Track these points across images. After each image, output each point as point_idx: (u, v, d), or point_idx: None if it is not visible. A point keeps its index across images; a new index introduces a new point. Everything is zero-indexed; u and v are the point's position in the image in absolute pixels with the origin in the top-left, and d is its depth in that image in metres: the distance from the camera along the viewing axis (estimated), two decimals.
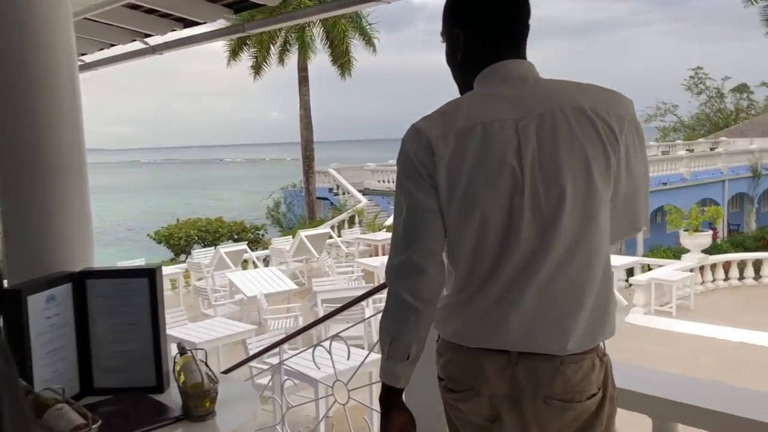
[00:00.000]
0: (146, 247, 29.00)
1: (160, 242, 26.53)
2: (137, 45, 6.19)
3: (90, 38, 5.87)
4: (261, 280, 9.68)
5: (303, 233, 12.89)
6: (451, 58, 1.52)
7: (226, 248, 12.21)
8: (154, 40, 5.95)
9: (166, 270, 12.07)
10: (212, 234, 25.80)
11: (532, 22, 1.48)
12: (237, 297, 9.58)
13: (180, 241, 25.74)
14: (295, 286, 9.72)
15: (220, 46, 21.94)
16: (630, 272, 11.34)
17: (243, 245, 12.89)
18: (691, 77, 47.62)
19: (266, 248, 14.23)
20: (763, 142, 26.44)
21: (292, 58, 22.07)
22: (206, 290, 9.52)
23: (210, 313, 9.29)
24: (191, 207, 49.56)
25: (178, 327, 7.54)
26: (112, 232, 42.95)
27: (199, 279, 11.50)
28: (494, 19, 1.44)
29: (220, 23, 5.30)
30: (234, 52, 21.83)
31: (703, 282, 11.53)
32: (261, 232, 26.71)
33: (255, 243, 25.57)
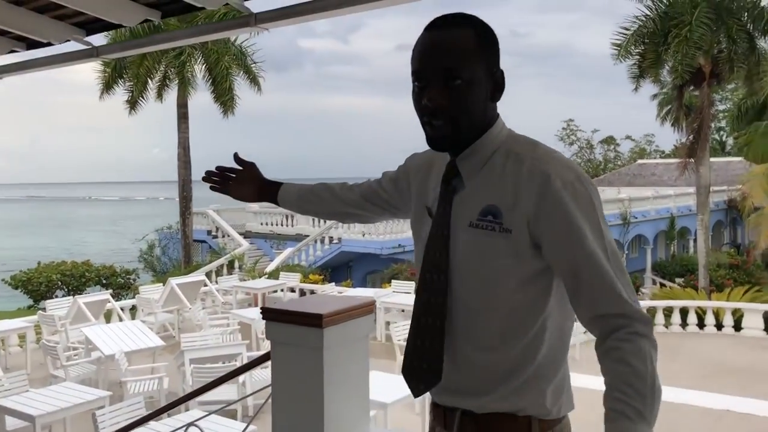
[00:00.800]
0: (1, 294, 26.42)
1: (17, 287, 24.30)
2: None
3: None
4: (122, 335, 8.65)
5: (174, 281, 11.87)
6: (489, 99, 1.47)
7: (85, 298, 10.97)
8: None
9: (13, 323, 10.68)
10: (78, 279, 23.89)
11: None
12: (94, 355, 8.49)
13: (40, 286, 23.66)
14: (160, 342, 8.75)
15: (94, 77, 20.55)
16: None
17: (105, 294, 11.68)
18: (563, 128, 50.45)
19: (136, 295, 13.01)
20: (630, 191, 28.01)
21: (172, 94, 21.02)
22: (56, 348, 8.36)
23: (60, 375, 8.14)
24: (53, 250, 46.17)
25: (14, 396, 6.44)
26: None
27: (53, 333, 10.22)
28: None
29: (72, 46, 4.57)
30: (107, 85, 20.46)
31: (586, 331, 11.56)
32: (132, 276, 25.03)
33: (125, 288, 23.87)
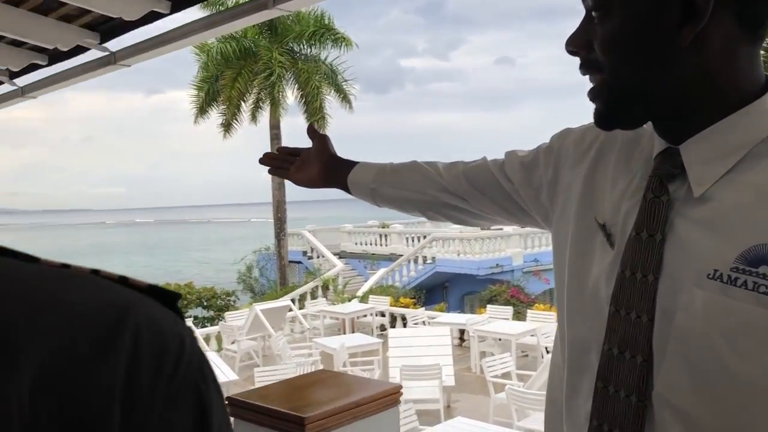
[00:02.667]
0: None
1: None
2: (4, 88, 4.95)
3: None
4: None
5: (258, 307, 11.42)
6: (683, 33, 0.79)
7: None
8: (23, 81, 4.74)
9: None
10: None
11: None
12: None
13: None
14: (234, 377, 8.19)
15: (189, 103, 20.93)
16: None
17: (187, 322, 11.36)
18: None
19: (219, 323, 12.70)
20: None
21: (265, 116, 21.04)
22: None
23: None
24: (158, 271, 48.19)
25: None
26: None
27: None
28: None
29: (91, 55, 4.03)
30: (201, 109, 20.75)
31: None
32: (232, 298, 25.20)
33: (224, 310, 24.01)
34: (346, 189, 1.38)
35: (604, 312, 0.85)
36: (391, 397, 1.53)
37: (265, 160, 1.51)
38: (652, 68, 0.80)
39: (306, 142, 1.44)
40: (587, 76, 0.85)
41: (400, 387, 1.77)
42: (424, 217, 1.39)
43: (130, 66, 3.79)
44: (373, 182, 1.32)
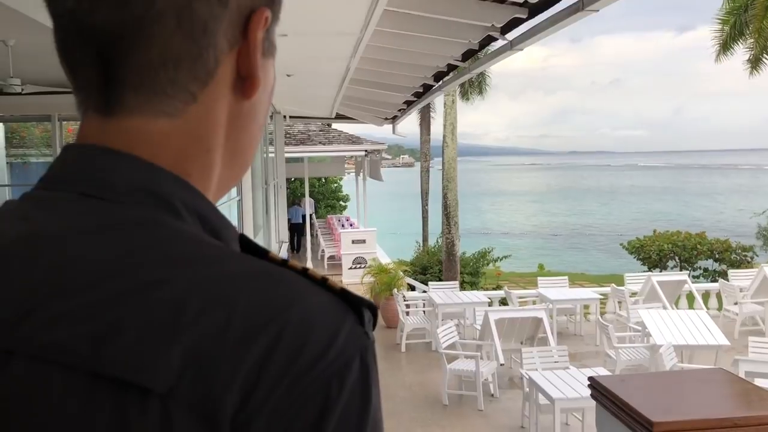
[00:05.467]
0: (618, 255, 27.96)
1: (631, 253, 25.17)
2: (498, 44, 5.39)
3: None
4: (682, 326, 7.72)
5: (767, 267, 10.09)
6: None
7: (660, 277, 10.35)
8: (511, 35, 5.08)
9: (590, 292, 10.75)
10: (689, 251, 23.19)
11: None
12: (650, 341, 7.85)
13: (651, 254, 23.92)
14: (724, 341, 7.45)
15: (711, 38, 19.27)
16: None
17: (683, 275, 10.71)
18: None
19: (719, 280, 11.65)
20: None
21: None
22: (608, 327, 8.05)
23: (612, 355, 7.83)
24: (673, 218, 46.41)
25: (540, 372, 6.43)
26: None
27: (616, 311, 10.02)
28: None
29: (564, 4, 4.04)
30: (725, 45, 18.89)
31: None
32: (749, 254, 22.81)
33: (737, 266, 21.88)
34: None
35: None
36: None
37: None
38: None
39: None
40: None
41: None
42: None
43: (597, 11, 3.67)
44: None
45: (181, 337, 0.44)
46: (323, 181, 27.64)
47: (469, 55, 5.97)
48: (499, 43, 5.28)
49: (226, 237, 0.55)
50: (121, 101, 0.52)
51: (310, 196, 20.42)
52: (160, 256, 0.48)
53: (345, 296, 0.50)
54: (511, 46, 5.01)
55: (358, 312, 0.50)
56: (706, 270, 22.62)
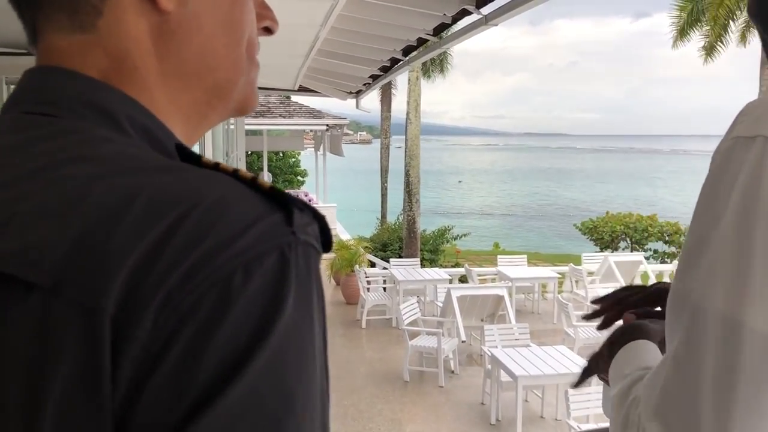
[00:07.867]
0: (570, 236, 28.54)
1: (584, 234, 25.68)
2: (472, 18, 5.30)
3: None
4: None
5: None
6: None
7: (617, 257, 10.55)
8: (486, 10, 5.00)
9: (543, 272, 10.90)
10: (640, 233, 23.79)
11: None
12: None
13: (604, 235, 24.45)
14: None
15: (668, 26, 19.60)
16: None
17: (639, 256, 10.96)
18: None
19: None
20: None
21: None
22: (568, 305, 8.16)
23: (570, 333, 7.95)
24: (624, 200, 47.52)
25: (509, 348, 6.47)
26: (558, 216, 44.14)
27: (573, 290, 10.15)
28: None
29: None
30: (682, 32, 19.21)
31: None
32: None
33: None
34: None
35: None
36: None
37: None
38: None
39: None
40: None
41: None
42: None
43: None
44: None
45: (70, 229, 0.41)
46: (281, 155, 27.36)
47: (441, 29, 5.87)
48: (472, 18, 5.20)
49: (172, 150, 0.52)
50: (40, 24, 0.53)
51: (268, 170, 20.16)
52: (75, 155, 0.45)
53: (274, 194, 0.44)
54: (486, 20, 4.93)
55: (288, 212, 0.43)
56: (656, 251, 23.18)
